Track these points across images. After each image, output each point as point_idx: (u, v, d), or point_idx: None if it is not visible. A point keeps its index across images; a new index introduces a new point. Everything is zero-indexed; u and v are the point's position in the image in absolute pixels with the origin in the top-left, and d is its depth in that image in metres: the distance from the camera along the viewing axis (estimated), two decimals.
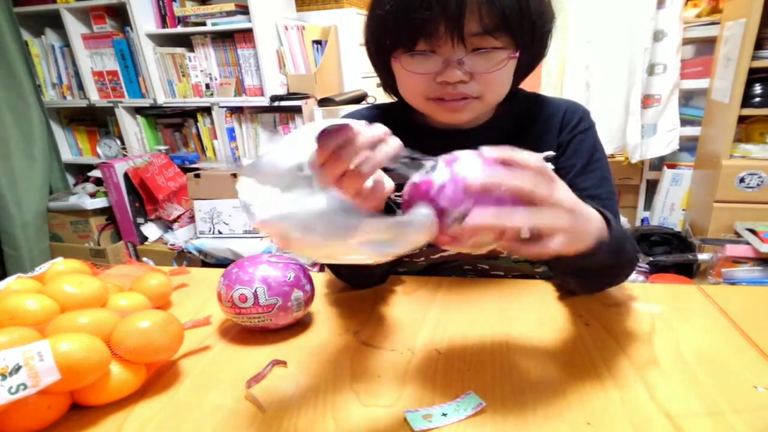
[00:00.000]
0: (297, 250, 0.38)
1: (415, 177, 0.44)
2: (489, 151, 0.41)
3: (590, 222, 0.46)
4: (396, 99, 0.75)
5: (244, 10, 2.22)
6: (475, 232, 0.40)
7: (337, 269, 0.73)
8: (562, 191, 0.42)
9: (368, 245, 0.37)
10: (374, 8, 0.63)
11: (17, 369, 0.40)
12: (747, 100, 1.68)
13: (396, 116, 0.74)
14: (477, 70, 0.59)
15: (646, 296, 0.66)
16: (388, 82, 0.71)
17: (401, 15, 0.58)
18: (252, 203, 0.37)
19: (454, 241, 0.41)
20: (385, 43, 0.63)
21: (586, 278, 0.63)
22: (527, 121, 0.72)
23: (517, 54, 0.59)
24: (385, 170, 0.51)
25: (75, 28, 2.46)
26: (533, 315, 0.63)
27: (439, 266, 0.79)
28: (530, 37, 0.60)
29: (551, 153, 0.70)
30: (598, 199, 0.67)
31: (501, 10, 0.55)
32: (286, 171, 0.38)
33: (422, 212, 0.40)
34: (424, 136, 0.72)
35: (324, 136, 0.41)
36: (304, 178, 0.39)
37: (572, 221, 0.41)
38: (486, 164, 0.40)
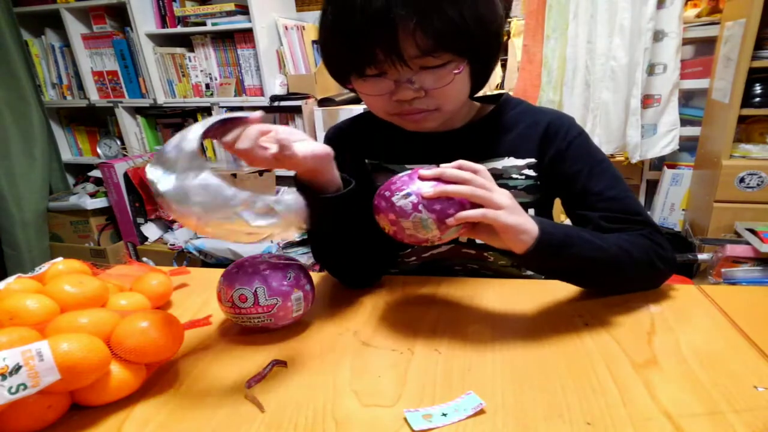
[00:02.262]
0: (186, 220, 0.46)
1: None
2: (426, 172, 0.53)
3: (524, 223, 0.54)
4: None
5: (244, 10, 2.22)
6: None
7: (330, 265, 0.74)
8: (500, 194, 0.53)
9: (245, 213, 0.46)
10: (321, 39, 0.65)
11: (17, 369, 0.40)
12: (747, 100, 1.68)
13: (383, 123, 0.76)
14: (428, 86, 0.61)
15: (646, 296, 0.66)
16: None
17: (344, 44, 0.60)
18: (157, 181, 0.45)
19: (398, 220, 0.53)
20: (337, 71, 0.66)
21: (561, 278, 0.65)
22: (508, 126, 0.74)
23: (463, 68, 0.61)
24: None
25: (75, 28, 2.46)
26: (533, 315, 0.63)
27: (430, 265, 0.79)
28: (473, 46, 0.61)
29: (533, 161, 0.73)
30: (614, 200, 0.68)
31: (434, 32, 0.56)
32: (184, 157, 0.46)
33: (293, 197, 0.49)
34: (408, 141, 0.75)
35: (211, 131, 0.51)
36: (197, 163, 0.46)
37: (508, 217, 0.52)
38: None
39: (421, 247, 0.77)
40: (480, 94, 0.76)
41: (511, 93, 2.14)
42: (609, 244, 0.61)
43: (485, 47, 0.63)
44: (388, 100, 0.63)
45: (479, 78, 0.68)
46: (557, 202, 0.78)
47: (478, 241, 0.74)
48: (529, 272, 0.82)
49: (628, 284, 0.67)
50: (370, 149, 0.78)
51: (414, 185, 0.53)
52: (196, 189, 0.44)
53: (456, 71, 0.60)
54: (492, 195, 0.52)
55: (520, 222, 0.53)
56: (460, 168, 0.53)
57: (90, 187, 2.60)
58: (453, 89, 0.63)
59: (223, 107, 2.42)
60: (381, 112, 0.67)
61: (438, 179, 0.53)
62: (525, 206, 0.74)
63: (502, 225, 0.52)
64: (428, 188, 0.52)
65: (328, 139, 0.82)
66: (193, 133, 0.48)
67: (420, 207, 0.52)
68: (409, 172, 0.55)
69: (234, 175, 2.22)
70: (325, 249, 0.71)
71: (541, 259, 0.56)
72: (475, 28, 0.59)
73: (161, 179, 0.45)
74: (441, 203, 0.52)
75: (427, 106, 0.63)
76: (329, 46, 0.64)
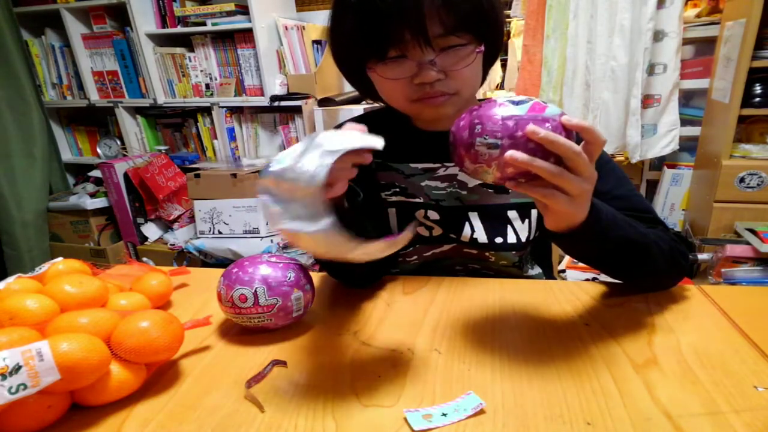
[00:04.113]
0: (305, 249, 0.45)
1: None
2: (567, 120, 0.46)
3: (576, 214, 0.52)
4: (382, 104, 0.77)
5: (244, 10, 2.22)
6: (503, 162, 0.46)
7: (330, 268, 0.74)
8: (579, 182, 0.48)
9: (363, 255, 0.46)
10: (337, 26, 0.66)
11: (17, 369, 0.40)
12: (747, 100, 1.67)
13: (388, 122, 0.76)
14: (449, 67, 0.63)
15: (646, 296, 0.66)
16: (368, 91, 0.73)
17: (367, 29, 0.61)
18: (274, 208, 0.43)
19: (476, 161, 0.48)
20: (356, 56, 0.66)
21: (595, 264, 0.63)
22: None
23: (483, 47, 0.63)
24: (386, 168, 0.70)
25: (75, 28, 2.46)
26: (533, 315, 0.63)
27: (431, 264, 0.79)
28: (487, 29, 0.63)
29: None
30: (623, 199, 0.68)
31: (457, 10, 0.59)
32: (309, 196, 0.43)
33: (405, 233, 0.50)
34: (413, 140, 0.75)
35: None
36: (313, 191, 0.43)
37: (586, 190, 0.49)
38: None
39: (423, 246, 0.77)
40: (481, 96, 0.76)
41: (512, 93, 2.13)
42: (646, 230, 0.61)
43: (495, 34, 0.66)
44: (409, 84, 0.64)
45: (483, 70, 0.70)
46: None
47: (480, 240, 0.74)
48: (531, 272, 0.82)
49: (656, 275, 0.65)
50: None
51: (507, 137, 0.45)
52: (329, 237, 0.42)
53: (478, 50, 0.63)
54: (572, 181, 0.47)
55: (575, 212, 0.51)
56: (588, 131, 0.46)
57: (90, 187, 2.60)
58: (471, 72, 0.65)
59: (223, 107, 2.42)
60: (401, 99, 0.67)
61: (540, 144, 0.45)
62: (530, 206, 0.74)
63: (559, 210, 0.50)
64: (520, 153, 0.44)
65: None
66: (318, 167, 0.42)
67: (493, 163, 0.46)
68: (520, 112, 0.46)
69: (234, 175, 2.23)
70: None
71: (582, 241, 0.54)
72: (489, 11, 0.62)
73: (278, 218, 0.42)
74: (516, 168, 0.46)
75: (448, 89, 0.64)
76: (349, 30, 0.64)
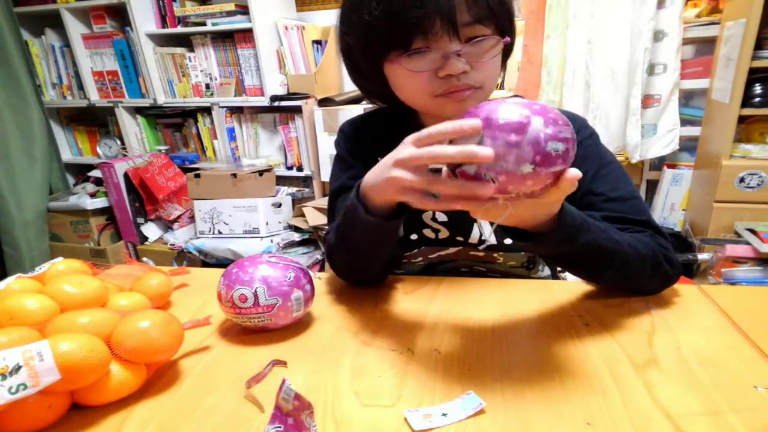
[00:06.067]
0: None
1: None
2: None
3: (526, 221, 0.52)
4: (385, 105, 0.76)
5: (244, 10, 2.22)
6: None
7: (342, 269, 0.73)
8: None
9: None
10: (357, 14, 0.62)
11: (17, 369, 0.40)
12: (747, 100, 1.68)
13: (394, 121, 0.75)
14: (475, 59, 0.61)
15: (646, 296, 0.66)
16: (375, 90, 0.71)
17: (394, 16, 0.58)
18: None
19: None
20: (377, 48, 0.63)
21: (569, 267, 0.64)
22: None
23: (508, 39, 0.62)
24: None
25: (75, 28, 2.46)
26: (533, 315, 0.63)
27: (436, 266, 0.79)
28: (509, 22, 0.63)
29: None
30: (620, 201, 0.67)
31: None
32: None
33: None
34: None
35: None
36: None
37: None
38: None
39: (428, 248, 0.77)
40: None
41: (511, 93, 2.13)
42: (620, 236, 0.60)
43: (512, 30, 0.65)
44: (433, 78, 0.61)
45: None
46: None
47: (489, 242, 0.74)
48: (541, 274, 0.81)
49: (631, 281, 0.65)
50: (383, 147, 0.77)
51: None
52: None
53: (504, 40, 0.62)
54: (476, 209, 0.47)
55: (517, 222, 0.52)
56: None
57: (90, 187, 2.60)
58: (495, 64, 0.64)
59: (223, 107, 2.42)
60: (424, 94, 0.64)
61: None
62: None
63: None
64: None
65: (343, 133, 0.79)
66: None
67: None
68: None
69: (234, 175, 2.22)
70: (347, 257, 0.69)
71: (545, 244, 0.54)
72: (509, 4, 0.63)
73: None
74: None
75: (474, 82, 0.62)
76: (371, 18, 0.60)
